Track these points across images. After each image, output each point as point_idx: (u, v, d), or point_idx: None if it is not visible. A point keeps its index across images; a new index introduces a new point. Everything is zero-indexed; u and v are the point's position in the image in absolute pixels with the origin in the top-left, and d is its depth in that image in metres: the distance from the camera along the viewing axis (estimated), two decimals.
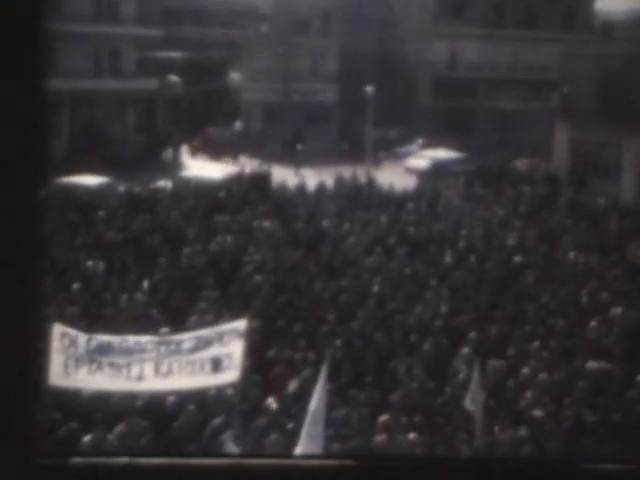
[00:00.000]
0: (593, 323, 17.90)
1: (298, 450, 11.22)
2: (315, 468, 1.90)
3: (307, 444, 11.41)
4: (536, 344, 16.50)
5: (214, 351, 13.20)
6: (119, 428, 12.82)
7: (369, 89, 49.82)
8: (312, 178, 36.86)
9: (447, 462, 1.97)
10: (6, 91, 1.74)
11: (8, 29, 1.72)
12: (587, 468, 1.94)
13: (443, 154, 52.11)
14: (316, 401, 11.83)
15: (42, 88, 1.80)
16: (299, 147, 52.55)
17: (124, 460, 1.90)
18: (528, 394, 14.38)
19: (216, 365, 13.18)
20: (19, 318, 1.74)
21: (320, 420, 11.77)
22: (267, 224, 25.18)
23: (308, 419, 11.69)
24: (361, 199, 30.52)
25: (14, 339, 1.76)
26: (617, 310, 18.72)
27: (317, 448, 11.29)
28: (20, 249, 1.74)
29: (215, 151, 52.56)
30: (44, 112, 1.78)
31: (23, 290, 1.75)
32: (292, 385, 14.47)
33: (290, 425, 12.99)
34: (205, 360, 13.15)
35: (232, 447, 11.95)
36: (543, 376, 14.95)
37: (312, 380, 13.91)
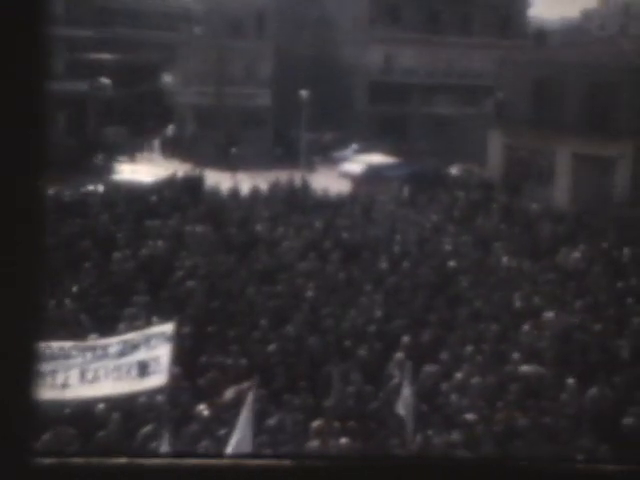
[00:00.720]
0: (526, 327, 18.01)
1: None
2: (315, 468, 1.91)
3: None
4: (469, 348, 16.55)
5: (140, 355, 12.98)
6: (46, 437, 12.52)
7: (304, 93, 49.74)
8: (246, 182, 36.68)
9: (447, 462, 1.96)
10: (5, 91, 1.73)
11: (9, 30, 1.71)
12: (586, 468, 1.94)
13: (378, 159, 52.24)
14: (246, 413, 11.65)
15: (42, 88, 1.81)
16: (233, 151, 52.30)
17: (123, 460, 1.89)
18: (461, 398, 14.40)
19: (142, 369, 12.95)
20: (16, 319, 1.70)
21: (247, 442, 11.59)
22: (199, 229, 24.95)
23: (233, 441, 11.50)
24: (295, 204, 30.44)
25: (12, 339, 1.71)
26: (549, 314, 18.87)
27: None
28: (19, 250, 1.69)
29: None
30: (44, 112, 1.77)
31: (21, 291, 1.70)
32: (229, 394, 14.27)
33: (222, 432, 12.82)
34: (132, 364, 12.91)
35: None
36: (476, 380, 14.97)
37: (248, 389, 13.77)
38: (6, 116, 1.74)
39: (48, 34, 1.76)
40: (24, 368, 1.74)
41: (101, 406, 13.30)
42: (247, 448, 11.34)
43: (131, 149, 54.94)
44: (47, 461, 1.84)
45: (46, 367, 12.70)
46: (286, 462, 1.92)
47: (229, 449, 11.12)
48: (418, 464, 1.92)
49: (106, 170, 47.26)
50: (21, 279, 1.70)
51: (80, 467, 1.87)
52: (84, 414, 13.24)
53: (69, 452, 2.31)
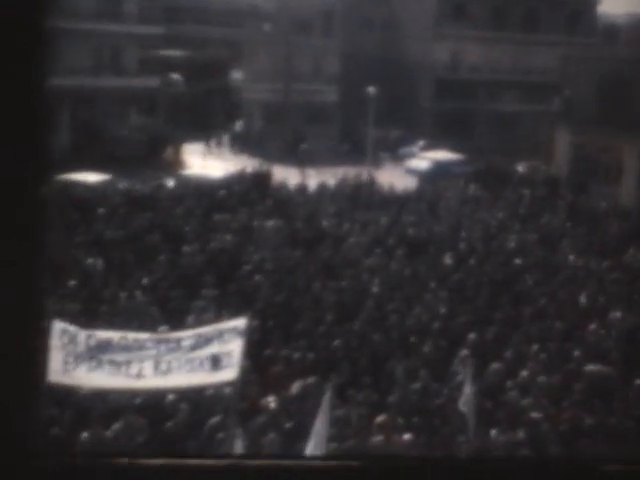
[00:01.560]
0: (592, 326, 17.92)
1: None
2: (315, 468, 1.90)
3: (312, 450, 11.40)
4: (534, 346, 16.52)
5: (213, 349, 13.22)
6: (116, 426, 12.83)
7: (370, 90, 49.81)
8: (313, 178, 36.91)
9: (447, 462, 1.97)
10: (6, 89, 1.73)
11: (10, 25, 1.71)
12: (587, 468, 1.93)
13: (443, 156, 52.12)
14: (322, 415, 11.81)
15: (43, 85, 1.79)
16: (303, 146, 52.58)
17: (124, 460, 1.90)
18: (526, 396, 14.40)
19: (215, 363, 13.20)
20: (18, 317, 1.73)
21: (322, 445, 11.75)
22: (267, 223, 25.20)
23: (311, 443, 11.66)
24: (361, 200, 30.55)
25: (13, 338, 1.75)
26: (616, 314, 18.74)
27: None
28: (20, 248, 1.74)
29: None
30: (46, 110, 1.77)
31: (22, 289, 1.74)
32: (295, 387, 14.47)
33: (288, 425, 13.02)
34: (204, 358, 13.17)
35: (238, 446, 11.95)
36: (541, 379, 14.96)
37: (315, 384, 13.96)
38: (6, 116, 1.73)
39: (49, 32, 1.73)
40: (25, 369, 1.77)
41: (170, 397, 13.55)
42: (321, 449, 11.52)
43: (200, 144, 55.65)
44: (48, 461, 1.84)
45: (121, 357, 13.06)
46: (286, 462, 1.92)
47: (307, 451, 11.29)
48: (418, 464, 1.92)
49: (176, 165, 47.92)
50: (21, 280, 1.72)
51: (81, 467, 1.88)
52: (154, 404, 13.53)
53: (69, 452, 2.35)
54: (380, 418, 13.22)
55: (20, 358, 1.76)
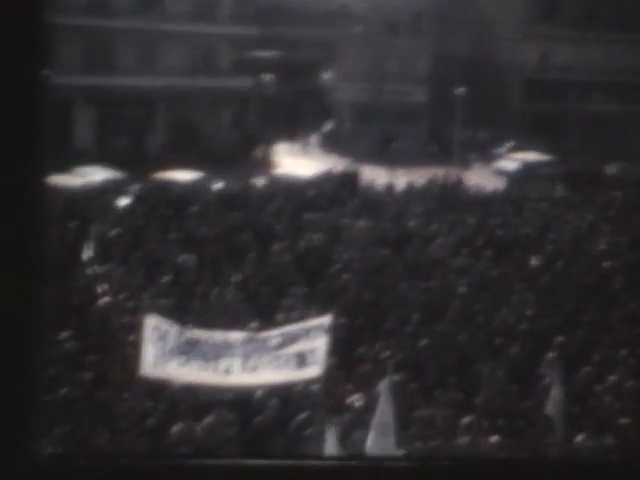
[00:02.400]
0: None
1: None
2: (316, 468, 1.90)
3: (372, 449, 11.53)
4: (623, 351, 16.38)
5: (299, 347, 13.49)
6: (207, 420, 13.16)
7: (459, 90, 49.68)
8: (401, 178, 36.98)
9: (448, 462, 1.95)
10: (5, 87, 1.73)
11: (6, 22, 1.70)
12: (587, 468, 1.94)
13: (532, 157, 51.62)
14: (381, 410, 11.96)
15: (40, 83, 1.75)
16: (393, 145, 52.66)
17: (124, 461, 1.89)
18: (614, 401, 14.31)
19: (301, 360, 13.47)
20: (18, 318, 1.73)
21: (387, 430, 11.89)
22: (355, 223, 25.37)
23: (374, 430, 11.81)
24: (449, 200, 30.53)
25: (12, 339, 1.74)
26: None
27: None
28: (19, 249, 1.73)
29: None
30: (43, 108, 1.73)
31: (22, 290, 1.73)
32: (382, 386, 14.63)
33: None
34: (290, 355, 13.45)
35: (333, 445, 12.15)
36: (630, 384, 14.85)
37: (401, 383, 14.12)
38: (5, 115, 1.74)
39: (46, 32, 1.72)
40: (25, 370, 1.76)
41: (259, 393, 13.83)
42: (388, 447, 11.65)
43: (291, 144, 56.23)
44: (48, 461, 1.84)
45: (210, 354, 13.42)
46: (286, 462, 1.93)
47: (368, 448, 11.46)
48: (418, 464, 1.92)
49: (267, 164, 48.44)
50: (20, 283, 1.73)
51: (81, 467, 1.87)
52: (243, 400, 13.83)
53: (70, 452, 2.41)
54: (466, 419, 13.29)
55: (20, 358, 1.74)
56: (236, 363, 13.39)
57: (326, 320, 14.12)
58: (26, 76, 1.73)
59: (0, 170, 1.73)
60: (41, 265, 1.76)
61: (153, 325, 13.74)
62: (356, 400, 14.06)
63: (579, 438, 13.14)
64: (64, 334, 15.71)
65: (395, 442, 11.81)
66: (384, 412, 11.88)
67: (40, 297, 1.74)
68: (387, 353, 15.76)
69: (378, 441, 11.66)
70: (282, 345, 13.55)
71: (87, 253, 20.58)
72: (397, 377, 13.87)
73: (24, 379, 1.74)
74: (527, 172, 47.06)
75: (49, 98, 1.74)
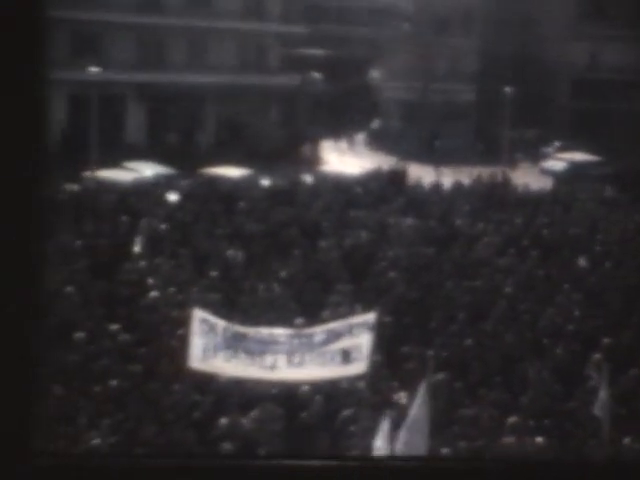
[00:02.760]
0: None
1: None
2: (316, 468, 1.90)
3: (405, 451, 11.57)
4: None
5: (344, 343, 13.61)
6: (254, 413, 13.31)
7: (507, 90, 49.49)
8: (448, 176, 36.96)
9: (448, 463, 2.02)
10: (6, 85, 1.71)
11: (6, 20, 1.69)
12: (587, 468, 1.95)
13: (580, 157, 51.28)
14: (416, 409, 12.02)
15: (41, 81, 1.74)
16: (440, 143, 52.66)
17: (124, 460, 1.89)
18: None
19: (345, 357, 13.59)
20: (17, 318, 1.72)
21: (420, 429, 11.94)
22: (402, 221, 25.42)
23: (407, 426, 11.86)
24: (496, 199, 30.44)
25: (12, 338, 1.73)
26: None
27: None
28: (19, 249, 1.73)
29: None
30: (43, 107, 1.72)
31: (21, 290, 1.73)
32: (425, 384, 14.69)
33: None
34: (335, 352, 13.57)
35: (361, 440, 12.24)
36: None
37: (443, 380, 14.18)
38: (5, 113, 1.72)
39: (46, 30, 1.71)
40: (24, 370, 1.75)
41: (305, 388, 13.95)
42: (420, 447, 11.71)
43: (339, 142, 56.42)
44: (47, 461, 1.83)
45: (256, 349, 13.58)
46: (286, 462, 1.93)
47: (398, 446, 11.52)
48: (418, 464, 1.92)
49: (314, 161, 48.63)
50: (19, 284, 1.73)
51: (80, 467, 1.86)
52: (289, 395, 13.97)
53: (69, 452, 2.40)
54: (511, 419, 13.29)
55: (20, 358, 1.74)
56: (281, 359, 13.54)
57: (371, 317, 14.23)
58: (26, 74, 1.71)
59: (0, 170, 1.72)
60: (41, 264, 1.75)
61: (201, 319, 13.93)
62: (401, 398, 14.13)
63: (626, 440, 13.10)
64: (114, 327, 15.96)
65: (427, 442, 11.87)
66: (419, 410, 11.94)
67: (40, 296, 1.74)
68: (432, 352, 15.83)
69: (410, 439, 11.72)
70: (327, 342, 13.68)
71: (137, 247, 20.84)
72: (438, 376, 13.91)
73: (24, 379, 1.73)
74: (575, 172, 46.78)
75: (49, 96, 1.72)
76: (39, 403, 1.73)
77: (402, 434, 11.80)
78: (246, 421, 13.20)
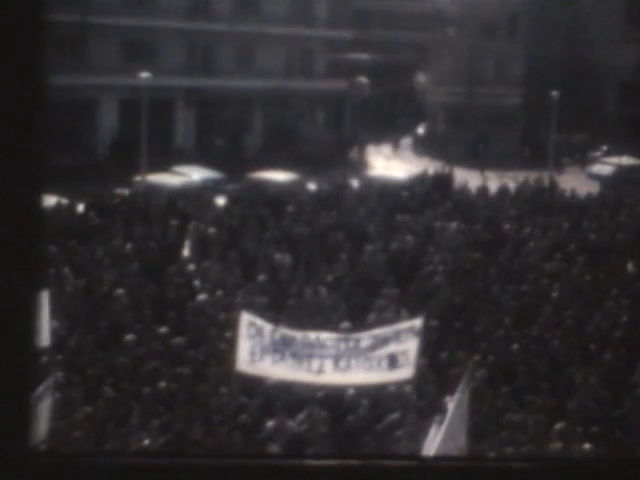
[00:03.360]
0: None
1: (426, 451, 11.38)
2: (316, 468, 1.90)
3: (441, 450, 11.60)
4: None
5: (390, 348, 13.65)
6: (300, 416, 13.42)
7: (554, 94, 49.21)
8: (494, 181, 36.84)
9: (447, 462, 1.95)
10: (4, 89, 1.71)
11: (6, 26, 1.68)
12: (587, 468, 1.94)
13: (628, 161, 50.83)
14: (454, 409, 12.03)
15: (39, 87, 1.74)
16: (486, 147, 52.48)
17: (124, 460, 1.89)
18: None
19: (392, 362, 13.62)
20: (15, 316, 1.73)
21: (459, 429, 11.95)
22: (448, 225, 25.42)
23: (444, 432, 11.88)
24: (542, 204, 30.32)
25: (9, 337, 1.74)
26: None
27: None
28: (17, 255, 1.73)
29: None
30: (41, 113, 1.72)
31: (18, 290, 1.73)
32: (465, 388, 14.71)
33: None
34: (382, 357, 13.62)
35: (407, 445, 12.30)
36: None
37: (486, 382, 14.19)
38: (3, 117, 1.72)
39: (45, 38, 1.70)
40: (23, 369, 1.75)
41: (351, 392, 14.04)
42: (456, 450, 11.72)
43: (385, 146, 56.46)
44: (47, 460, 1.83)
45: (302, 353, 13.68)
46: (286, 462, 1.93)
47: (435, 447, 11.54)
48: (418, 465, 1.92)
49: (360, 165, 48.73)
50: (17, 284, 1.72)
51: (80, 467, 1.85)
52: (336, 398, 14.06)
53: (69, 452, 2.34)
54: (559, 425, 13.26)
55: (16, 357, 1.74)
56: (328, 363, 13.62)
57: (417, 322, 14.27)
58: (25, 79, 1.70)
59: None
60: (36, 264, 1.76)
61: (248, 322, 14.06)
62: (447, 402, 14.15)
63: None
64: (163, 329, 16.18)
65: (464, 446, 11.88)
66: (457, 414, 11.96)
67: (37, 295, 1.75)
68: (477, 356, 15.85)
69: (446, 443, 11.75)
70: (374, 347, 13.74)
71: (186, 250, 21.08)
72: (479, 380, 13.93)
73: (21, 378, 1.72)
74: (622, 176, 46.37)
75: (48, 101, 1.71)
76: (35, 401, 1.72)
77: (439, 437, 11.84)
78: (293, 424, 13.31)
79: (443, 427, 11.72)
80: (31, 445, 1.72)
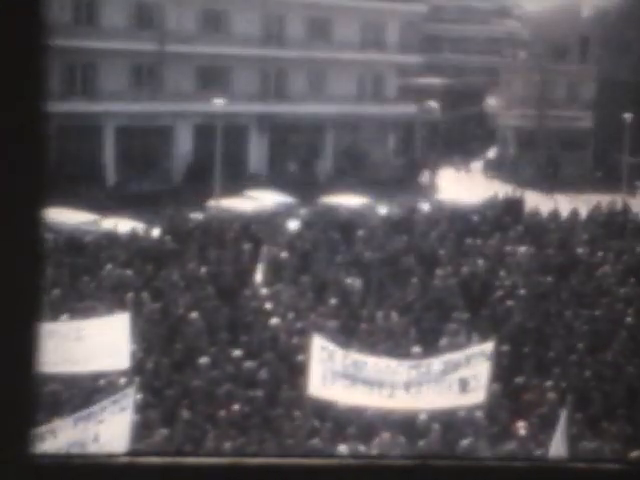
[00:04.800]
0: None
1: None
2: (315, 468, 1.88)
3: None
4: None
5: (461, 373, 13.70)
6: (375, 441, 13.48)
7: (626, 116, 48.67)
8: (566, 204, 36.52)
9: (448, 462, 1.94)
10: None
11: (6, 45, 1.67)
12: (587, 468, 1.93)
13: None
14: (555, 446, 11.99)
15: (39, 106, 1.69)
16: (558, 171, 52.11)
17: (124, 460, 1.86)
18: None
19: (463, 386, 13.68)
20: (15, 318, 1.72)
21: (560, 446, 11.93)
22: (519, 249, 25.30)
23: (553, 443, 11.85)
24: (615, 227, 29.99)
25: (9, 338, 1.73)
26: None
27: None
28: (17, 267, 1.71)
29: None
30: (42, 130, 1.68)
31: (20, 293, 1.72)
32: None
33: (538, 452, 13.23)
34: (453, 381, 13.67)
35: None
36: None
37: (559, 406, 14.10)
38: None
39: (45, 52, 1.68)
40: (24, 369, 1.74)
41: (423, 417, 14.07)
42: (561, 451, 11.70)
43: (456, 170, 56.42)
44: (47, 461, 1.81)
45: (374, 378, 13.79)
46: (286, 462, 1.90)
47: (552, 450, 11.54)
48: (418, 464, 1.90)
49: (431, 189, 48.72)
50: (18, 281, 1.71)
51: (80, 467, 1.84)
52: (407, 423, 14.11)
53: (69, 452, 2.34)
54: (635, 453, 13.14)
55: (17, 358, 1.73)
56: (399, 389, 13.72)
57: (489, 347, 14.29)
58: (25, 99, 1.66)
59: None
60: (38, 269, 1.74)
61: (320, 346, 14.22)
62: (520, 429, 14.11)
63: None
64: (237, 352, 16.42)
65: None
66: (558, 443, 11.93)
67: (38, 297, 1.74)
68: (551, 382, 15.77)
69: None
70: (445, 372, 13.80)
71: (259, 274, 21.33)
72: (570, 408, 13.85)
73: (23, 379, 1.72)
74: None
75: (48, 119, 1.68)
76: (37, 402, 1.71)
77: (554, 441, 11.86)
78: (365, 448, 13.38)
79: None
80: (32, 445, 1.70)
